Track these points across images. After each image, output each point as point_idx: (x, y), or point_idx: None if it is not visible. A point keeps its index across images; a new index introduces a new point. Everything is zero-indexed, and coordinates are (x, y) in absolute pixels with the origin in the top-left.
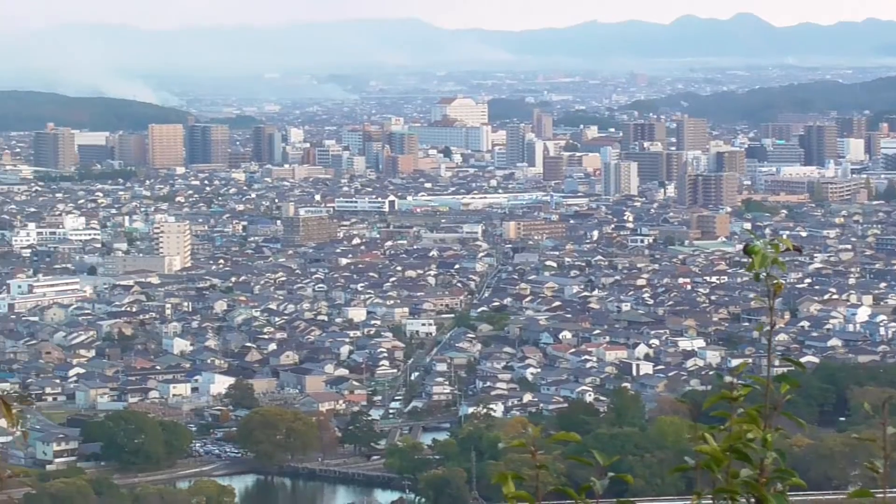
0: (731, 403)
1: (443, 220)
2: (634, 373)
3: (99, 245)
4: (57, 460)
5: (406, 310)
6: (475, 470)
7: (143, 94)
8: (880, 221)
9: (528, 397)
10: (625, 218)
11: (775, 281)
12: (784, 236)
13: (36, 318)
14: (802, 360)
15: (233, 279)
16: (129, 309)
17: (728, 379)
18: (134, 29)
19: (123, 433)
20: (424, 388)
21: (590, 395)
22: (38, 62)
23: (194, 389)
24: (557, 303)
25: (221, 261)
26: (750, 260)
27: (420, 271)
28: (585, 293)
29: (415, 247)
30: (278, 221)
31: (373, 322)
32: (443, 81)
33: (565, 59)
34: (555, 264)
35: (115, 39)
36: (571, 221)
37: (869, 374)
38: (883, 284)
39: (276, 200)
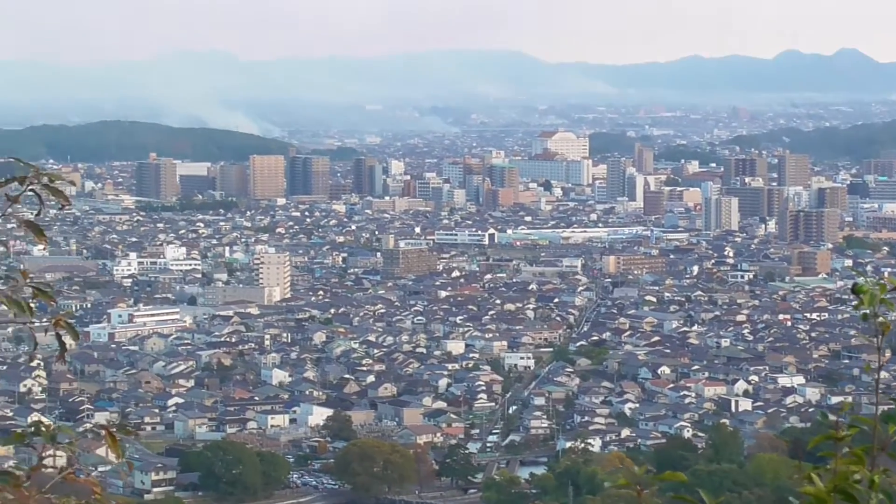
0: (837, 443)
1: (542, 254)
2: (733, 409)
3: (199, 275)
4: (155, 490)
5: (505, 343)
6: None
7: (245, 125)
8: None
9: (626, 432)
10: (725, 253)
11: (883, 320)
12: (886, 274)
13: (136, 348)
14: None
15: (332, 310)
16: (228, 339)
17: (832, 418)
18: (237, 59)
19: (221, 463)
20: (522, 422)
21: (688, 430)
22: (142, 92)
23: (292, 420)
24: (656, 338)
25: (321, 292)
26: (857, 299)
27: (519, 304)
28: (685, 328)
29: (514, 280)
30: (378, 253)
31: (471, 355)
32: (544, 115)
33: (667, 93)
34: (654, 299)
35: (218, 69)
36: (671, 256)
37: None
38: None
39: (377, 232)
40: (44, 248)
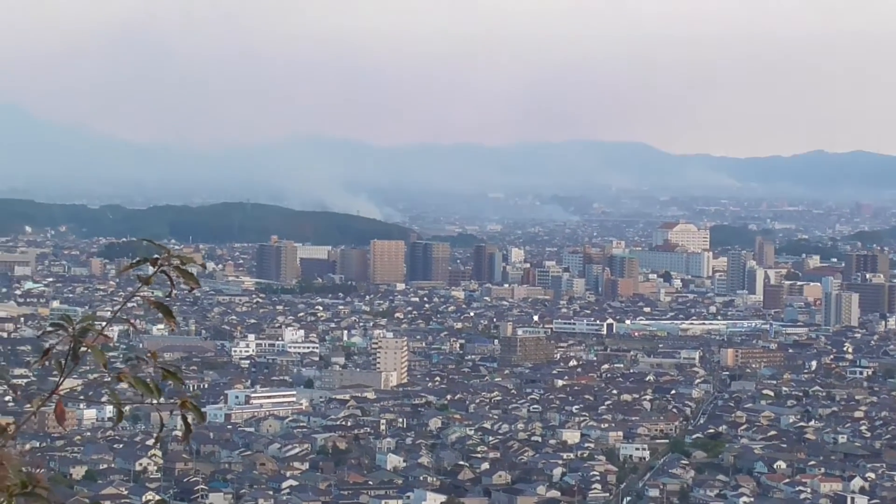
0: None
1: (660, 345)
2: None
3: (317, 358)
4: None
5: (620, 433)
6: None
7: (367, 210)
8: None
9: None
10: (844, 349)
11: None
12: None
13: (252, 429)
14: None
15: (448, 396)
16: (343, 423)
17: None
18: (360, 143)
19: None
20: None
21: None
22: (267, 175)
23: None
24: (773, 432)
25: (438, 378)
26: None
27: (636, 395)
28: (802, 423)
29: (631, 370)
30: (496, 340)
31: (586, 444)
32: (666, 206)
33: (790, 187)
34: (772, 393)
35: (341, 154)
36: (790, 350)
37: None
38: None
39: (495, 319)
40: (172, 329)
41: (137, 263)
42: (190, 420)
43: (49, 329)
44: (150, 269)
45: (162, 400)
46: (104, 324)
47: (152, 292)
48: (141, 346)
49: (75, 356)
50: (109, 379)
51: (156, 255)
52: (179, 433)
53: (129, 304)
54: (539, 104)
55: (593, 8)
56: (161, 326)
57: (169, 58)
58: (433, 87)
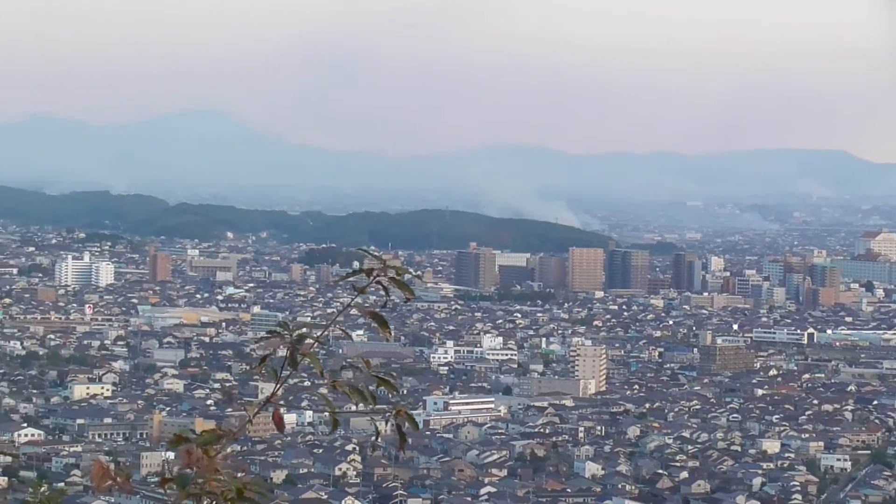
0: None
1: (862, 355)
2: None
3: (515, 365)
4: None
5: (821, 443)
6: None
7: (565, 217)
8: None
9: None
10: None
11: None
12: None
13: (450, 436)
14: None
15: (647, 405)
16: (542, 430)
17: None
18: (555, 152)
19: None
20: None
21: None
22: (465, 183)
23: None
24: None
25: (636, 386)
26: None
27: (837, 406)
28: None
29: (832, 381)
30: (695, 349)
31: (786, 455)
32: (868, 215)
33: None
34: None
35: (536, 162)
36: None
37: None
38: None
39: (694, 328)
40: (387, 339)
41: (354, 273)
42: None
43: (266, 335)
44: (363, 279)
45: (373, 407)
46: (321, 332)
47: (365, 301)
48: (340, 351)
49: (294, 363)
50: (310, 384)
51: (370, 266)
52: (380, 441)
53: (329, 311)
54: (734, 112)
55: (787, 15)
56: (360, 332)
57: (367, 67)
58: (625, 96)
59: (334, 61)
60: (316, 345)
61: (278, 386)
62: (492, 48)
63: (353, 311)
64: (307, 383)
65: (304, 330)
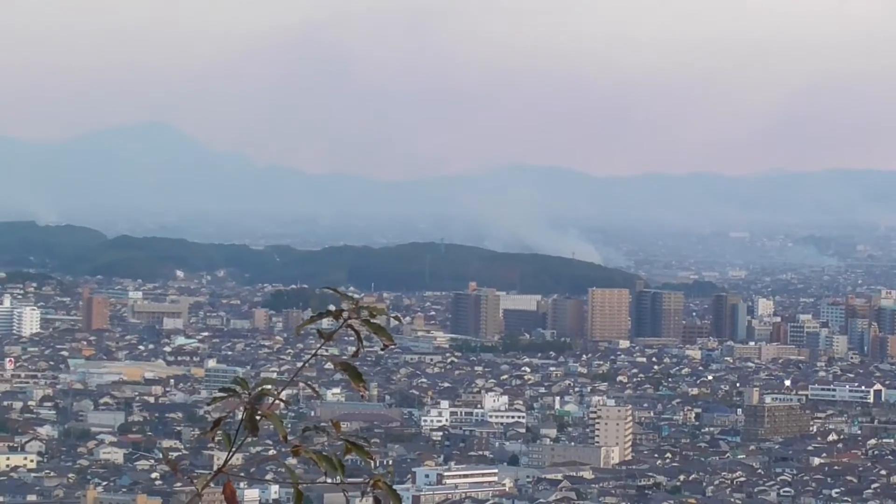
0: None
1: None
2: None
3: (523, 430)
4: None
5: None
6: None
7: (584, 251)
8: None
9: None
10: None
11: None
12: None
13: None
14: None
15: (681, 477)
16: None
17: None
18: (572, 172)
19: None
20: None
21: None
22: (463, 211)
23: None
24: None
25: (668, 454)
26: None
27: None
28: None
29: None
30: (739, 410)
31: None
32: None
33: None
34: None
35: (548, 185)
36: None
37: None
38: None
39: (738, 384)
40: (362, 395)
41: (320, 317)
42: None
43: (220, 394)
44: (333, 323)
45: (342, 480)
46: (281, 388)
47: (332, 351)
48: (313, 413)
49: (254, 427)
50: (275, 452)
51: (340, 307)
52: None
53: (300, 365)
54: (789, 127)
55: (855, 18)
56: (336, 391)
57: (349, 76)
58: (660, 107)
59: (309, 66)
60: (280, 405)
61: (230, 454)
62: (493, 50)
63: (329, 366)
64: (273, 451)
65: (266, 387)
